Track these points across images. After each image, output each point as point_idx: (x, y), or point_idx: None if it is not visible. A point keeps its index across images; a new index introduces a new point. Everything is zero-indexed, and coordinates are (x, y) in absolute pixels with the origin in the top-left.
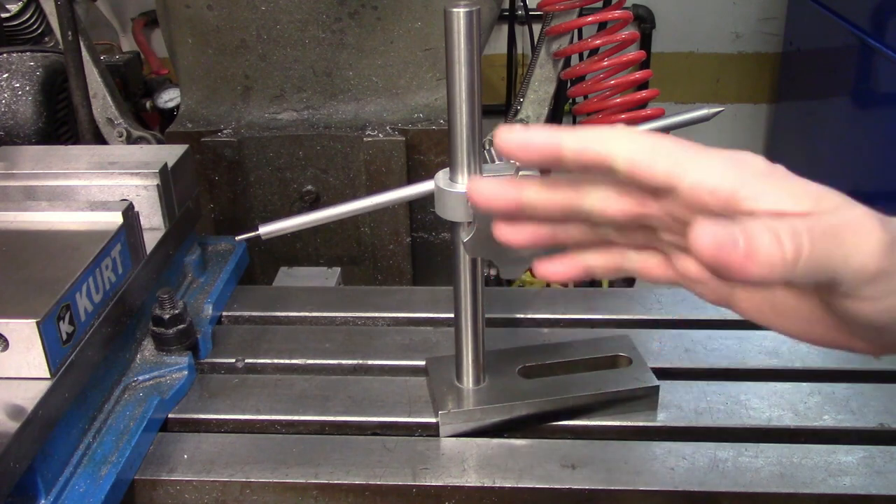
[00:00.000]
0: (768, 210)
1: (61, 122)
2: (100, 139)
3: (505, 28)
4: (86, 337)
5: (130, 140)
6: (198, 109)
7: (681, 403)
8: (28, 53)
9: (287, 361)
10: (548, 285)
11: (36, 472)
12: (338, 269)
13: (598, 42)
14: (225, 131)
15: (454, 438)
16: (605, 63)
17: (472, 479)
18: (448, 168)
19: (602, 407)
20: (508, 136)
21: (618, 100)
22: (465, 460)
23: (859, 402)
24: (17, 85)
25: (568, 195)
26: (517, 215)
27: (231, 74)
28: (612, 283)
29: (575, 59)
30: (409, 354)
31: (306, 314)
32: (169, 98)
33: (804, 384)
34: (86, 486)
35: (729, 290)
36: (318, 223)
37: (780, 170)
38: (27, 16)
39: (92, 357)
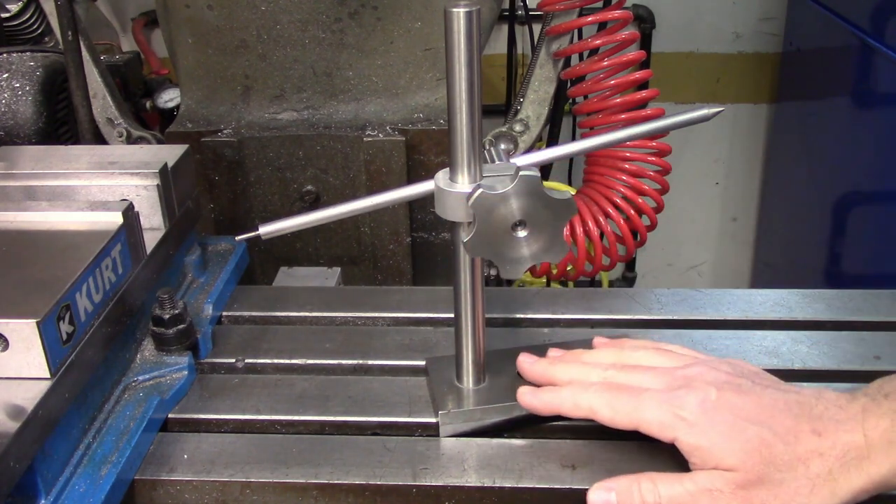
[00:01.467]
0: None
1: (61, 122)
2: (100, 139)
3: (505, 28)
4: (86, 337)
5: (130, 140)
6: (198, 109)
7: None
8: (28, 53)
9: (287, 361)
10: (548, 285)
11: (36, 472)
12: (338, 269)
13: (598, 42)
14: (225, 131)
15: (454, 438)
16: (605, 63)
17: (472, 479)
18: (448, 168)
19: None
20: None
21: (618, 100)
22: (465, 460)
23: None
24: (17, 85)
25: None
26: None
27: (231, 74)
28: (612, 283)
29: (575, 59)
30: (409, 354)
31: (306, 314)
32: (169, 98)
33: (804, 384)
34: (86, 486)
35: None
36: (318, 223)
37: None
38: (27, 16)
39: (92, 357)
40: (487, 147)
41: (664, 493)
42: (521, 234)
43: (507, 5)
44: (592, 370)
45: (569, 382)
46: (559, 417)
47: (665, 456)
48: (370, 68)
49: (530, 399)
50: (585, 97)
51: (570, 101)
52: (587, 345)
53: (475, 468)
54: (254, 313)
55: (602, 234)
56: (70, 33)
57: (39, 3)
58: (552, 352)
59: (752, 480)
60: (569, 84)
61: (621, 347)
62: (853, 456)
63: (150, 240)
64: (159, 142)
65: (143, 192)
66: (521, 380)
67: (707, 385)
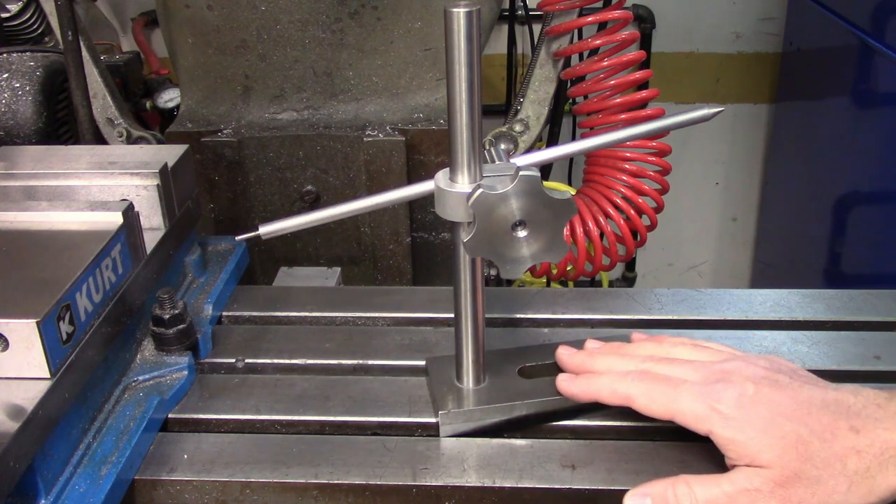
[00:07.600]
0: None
1: (61, 122)
2: (100, 139)
3: (505, 28)
4: (86, 337)
5: (130, 140)
6: (198, 109)
7: None
8: (28, 53)
9: (287, 361)
10: (548, 285)
11: (36, 472)
12: (338, 269)
13: (598, 42)
14: (225, 131)
15: (454, 438)
16: (605, 63)
17: (472, 479)
18: (448, 168)
19: (602, 407)
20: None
21: (618, 100)
22: (465, 460)
23: None
24: (17, 85)
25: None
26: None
27: (231, 74)
28: (612, 283)
29: (575, 59)
30: (409, 354)
31: (306, 314)
32: (169, 98)
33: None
34: (86, 486)
35: None
36: (318, 223)
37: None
38: (27, 16)
39: (92, 357)
40: (487, 147)
41: (701, 496)
42: (521, 234)
43: (507, 5)
44: (631, 360)
45: (607, 372)
46: (559, 417)
47: (666, 454)
48: (370, 68)
49: (568, 385)
50: (585, 97)
51: (570, 101)
52: (625, 339)
53: (475, 468)
54: (254, 313)
55: (602, 234)
56: (70, 33)
57: (39, 3)
58: (590, 343)
59: (789, 477)
60: (569, 84)
61: (660, 342)
62: (892, 454)
63: (150, 240)
64: (159, 142)
65: (143, 192)
66: (520, 380)
67: (745, 380)
